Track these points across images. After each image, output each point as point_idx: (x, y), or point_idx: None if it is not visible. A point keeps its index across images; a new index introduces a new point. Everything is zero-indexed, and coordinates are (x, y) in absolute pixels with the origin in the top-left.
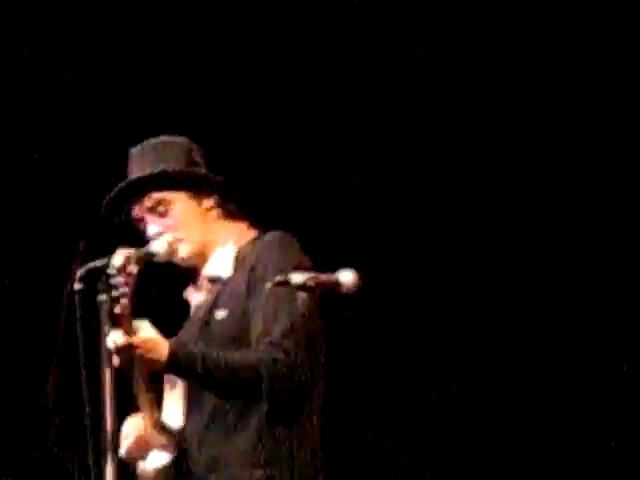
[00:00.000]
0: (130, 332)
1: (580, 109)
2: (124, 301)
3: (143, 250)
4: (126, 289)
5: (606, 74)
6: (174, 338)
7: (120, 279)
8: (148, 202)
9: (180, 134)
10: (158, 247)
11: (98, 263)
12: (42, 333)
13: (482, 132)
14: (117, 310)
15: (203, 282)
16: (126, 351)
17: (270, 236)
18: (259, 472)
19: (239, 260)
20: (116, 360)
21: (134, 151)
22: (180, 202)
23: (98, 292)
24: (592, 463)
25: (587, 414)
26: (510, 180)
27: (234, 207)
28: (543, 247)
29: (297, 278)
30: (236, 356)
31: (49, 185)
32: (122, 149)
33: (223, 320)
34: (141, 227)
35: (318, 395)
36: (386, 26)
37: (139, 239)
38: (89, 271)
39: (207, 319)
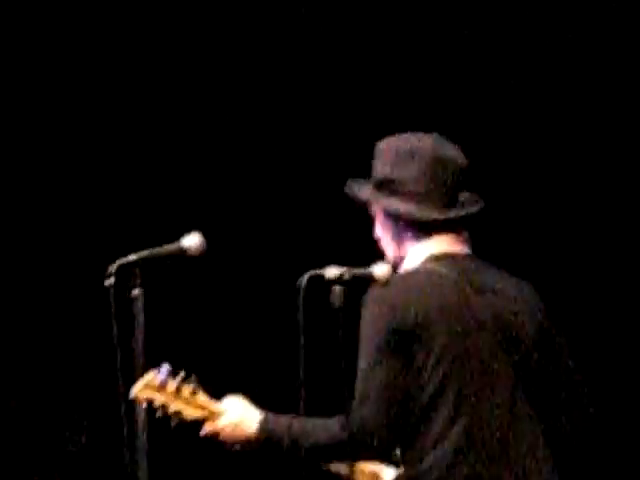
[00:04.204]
0: (212, 417)
1: (580, 107)
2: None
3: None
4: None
5: (606, 73)
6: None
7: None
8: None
9: None
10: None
11: (131, 258)
12: (73, 329)
13: (481, 130)
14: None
15: None
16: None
17: None
18: None
19: None
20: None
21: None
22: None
23: (131, 287)
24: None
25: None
26: (508, 181)
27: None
28: (542, 248)
29: (331, 272)
30: (320, 434)
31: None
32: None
33: None
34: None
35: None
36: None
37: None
38: (121, 266)
39: None
